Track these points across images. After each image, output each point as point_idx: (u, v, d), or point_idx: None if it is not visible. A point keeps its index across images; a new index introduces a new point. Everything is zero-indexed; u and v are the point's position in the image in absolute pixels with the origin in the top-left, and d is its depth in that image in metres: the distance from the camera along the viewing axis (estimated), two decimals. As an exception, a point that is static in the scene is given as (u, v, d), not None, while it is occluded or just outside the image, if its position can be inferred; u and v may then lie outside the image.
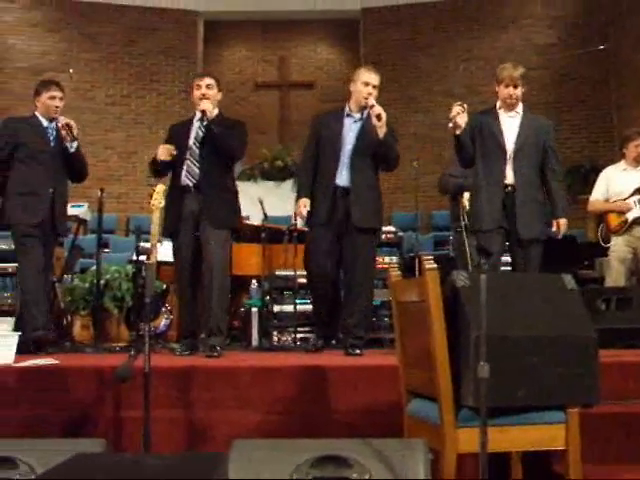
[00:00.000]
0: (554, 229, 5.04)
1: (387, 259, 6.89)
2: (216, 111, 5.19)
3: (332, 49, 14.05)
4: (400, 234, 7.19)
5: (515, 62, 5.18)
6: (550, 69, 12.11)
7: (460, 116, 4.77)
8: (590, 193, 6.69)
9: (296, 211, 5.26)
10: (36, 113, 5.45)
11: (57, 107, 5.38)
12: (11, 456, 2.10)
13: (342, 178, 5.12)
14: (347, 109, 5.27)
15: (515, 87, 4.97)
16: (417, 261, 6.75)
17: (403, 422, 3.16)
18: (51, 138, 5.40)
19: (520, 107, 5.07)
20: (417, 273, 6.48)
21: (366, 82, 5.14)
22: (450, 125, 4.80)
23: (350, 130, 5.19)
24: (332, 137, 5.18)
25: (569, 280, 2.96)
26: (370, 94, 5.10)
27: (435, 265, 2.74)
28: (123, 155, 12.51)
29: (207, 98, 5.11)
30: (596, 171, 7.73)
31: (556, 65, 12.06)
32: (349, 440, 2.17)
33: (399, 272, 3.25)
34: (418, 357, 2.91)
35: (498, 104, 5.07)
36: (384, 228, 7.16)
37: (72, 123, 5.30)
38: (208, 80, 5.21)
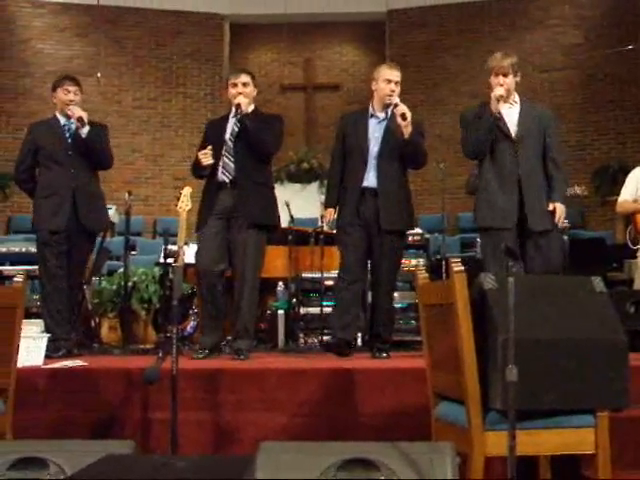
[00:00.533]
0: (550, 209, 4.73)
1: (414, 261, 6.86)
2: (252, 107, 5.18)
3: (358, 51, 14.05)
4: (427, 236, 7.16)
5: (507, 52, 4.97)
6: (577, 69, 12.03)
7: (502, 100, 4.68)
8: (618, 194, 6.62)
9: (323, 218, 5.28)
10: (56, 113, 5.44)
11: (71, 100, 5.32)
12: (41, 457, 2.12)
13: (370, 180, 5.06)
14: (371, 109, 5.22)
15: (505, 75, 4.76)
16: (444, 263, 6.73)
17: (430, 425, 3.14)
18: (67, 135, 5.36)
19: (516, 97, 4.88)
20: (444, 275, 6.47)
21: (388, 79, 5.09)
22: (495, 102, 4.66)
23: (375, 131, 5.14)
24: (358, 139, 5.13)
25: (598, 282, 2.94)
26: (393, 91, 5.05)
27: (462, 267, 2.72)
28: (150, 158, 12.59)
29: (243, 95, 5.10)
30: (624, 172, 7.66)
31: (583, 65, 11.97)
32: (376, 443, 2.17)
33: (426, 275, 3.24)
34: (445, 360, 2.90)
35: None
36: (410, 230, 7.16)
37: (83, 115, 5.23)
38: (244, 78, 5.18)
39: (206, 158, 5.04)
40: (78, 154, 5.29)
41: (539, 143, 4.80)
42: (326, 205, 5.26)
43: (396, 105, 4.95)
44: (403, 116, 4.88)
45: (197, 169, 5.16)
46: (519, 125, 4.79)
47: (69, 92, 5.34)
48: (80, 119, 5.20)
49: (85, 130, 5.24)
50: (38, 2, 12.42)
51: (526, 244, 4.68)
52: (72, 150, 5.29)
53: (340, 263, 5.19)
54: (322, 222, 5.93)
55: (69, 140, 5.33)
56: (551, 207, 4.73)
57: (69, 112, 5.26)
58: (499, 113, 4.72)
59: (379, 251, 5.04)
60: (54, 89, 5.42)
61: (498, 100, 4.68)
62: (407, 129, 4.92)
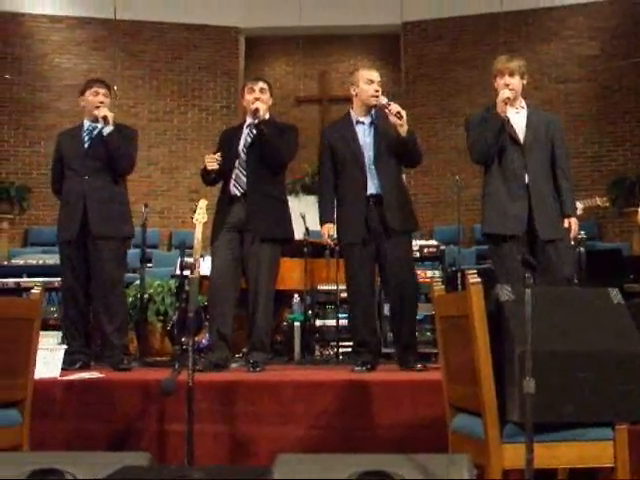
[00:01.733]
0: (565, 226, 4.66)
1: (429, 273, 6.85)
2: (267, 116, 5.17)
3: (373, 63, 14.00)
4: (442, 248, 7.14)
5: (513, 55, 4.88)
6: (593, 81, 12.00)
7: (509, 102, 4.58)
8: (635, 205, 6.58)
9: (322, 237, 5.12)
10: (84, 120, 5.37)
11: (101, 102, 5.23)
12: (57, 468, 2.12)
13: (372, 186, 4.96)
14: (354, 116, 5.11)
15: (511, 75, 4.65)
16: (460, 275, 6.71)
17: (447, 437, 3.13)
18: (86, 139, 5.27)
19: (523, 102, 4.78)
20: (460, 287, 6.44)
21: (369, 79, 5.02)
22: (502, 105, 4.55)
23: (365, 136, 5.03)
24: (350, 148, 5.02)
25: (615, 294, 2.92)
26: (377, 91, 4.98)
27: (478, 279, 2.72)
28: (166, 170, 12.64)
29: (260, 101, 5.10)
30: (641, 183, 7.64)
31: (599, 77, 11.95)
32: (393, 455, 2.16)
33: (442, 286, 3.23)
34: (462, 372, 2.89)
35: None
36: (426, 242, 7.14)
37: (109, 114, 5.15)
38: (262, 84, 5.19)
39: (211, 163, 5.03)
40: (95, 158, 5.18)
41: (547, 150, 4.70)
42: (323, 221, 5.09)
43: (388, 104, 4.85)
44: (398, 114, 4.78)
45: (204, 174, 5.17)
46: (527, 131, 4.68)
47: (98, 94, 5.26)
48: (105, 117, 5.13)
49: (107, 129, 5.15)
50: (55, 17, 12.53)
51: (535, 253, 4.54)
52: (88, 155, 5.21)
53: (349, 283, 5.07)
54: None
55: (86, 145, 5.25)
56: (566, 224, 4.66)
57: (96, 112, 5.18)
58: (507, 117, 4.63)
59: (391, 255, 4.91)
60: (82, 93, 5.34)
61: (505, 103, 4.57)
62: (403, 128, 4.84)
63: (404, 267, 4.97)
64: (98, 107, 5.20)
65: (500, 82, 4.69)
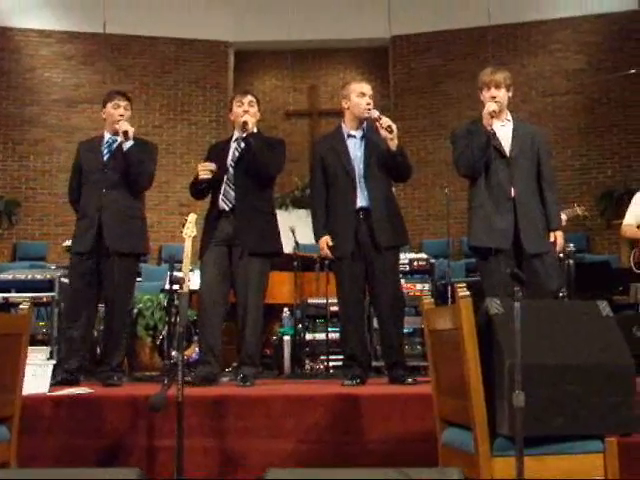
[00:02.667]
0: (551, 240, 4.67)
1: (419, 286, 6.84)
2: (255, 130, 5.16)
3: (362, 77, 14.07)
4: (432, 261, 7.15)
5: (498, 67, 4.86)
6: (581, 94, 12.07)
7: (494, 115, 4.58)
8: (623, 217, 6.61)
9: (320, 251, 5.08)
10: (104, 131, 5.33)
11: (121, 115, 5.20)
12: (47, 486, 2.11)
13: (362, 200, 4.96)
14: (345, 129, 5.13)
15: (497, 88, 4.65)
16: (449, 288, 6.72)
17: (437, 451, 3.13)
18: (105, 151, 5.23)
19: (509, 115, 4.79)
20: (450, 300, 6.45)
21: (361, 92, 5.04)
22: (489, 117, 4.55)
23: (356, 150, 5.04)
24: (341, 162, 5.02)
25: (604, 307, 2.93)
26: (369, 104, 4.99)
27: (468, 292, 2.72)
28: (155, 184, 12.47)
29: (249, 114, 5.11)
30: (629, 195, 7.66)
31: (587, 90, 12.01)
32: (383, 469, 2.16)
33: (431, 300, 3.24)
34: (452, 385, 2.89)
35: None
36: (416, 255, 7.14)
37: (129, 129, 5.12)
38: (250, 97, 5.22)
39: (204, 172, 5.03)
40: (115, 171, 5.14)
41: (533, 163, 4.70)
42: (319, 235, 5.07)
43: (379, 118, 4.86)
44: (389, 128, 4.80)
45: (195, 183, 5.15)
46: (513, 144, 4.68)
47: (119, 107, 5.23)
48: (125, 133, 5.10)
49: (128, 144, 5.12)
50: (44, 31, 12.52)
51: (521, 267, 4.51)
52: (107, 168, 5.15)
53: (340, 297, 5.06)
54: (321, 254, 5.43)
55: (105, 157, 5.20)
56: (552, 238, 4.67)
57: (117, 126, 5.15)
58: (493, 130, 4.62)
59: (380, 270, 4.91)
60: (104, 105, 5.30)
61: (492, 116, 4.58)
62: (394, 142, 4.85)
63: (390, 282, 4.97)
64: (118, 120, 5.18)
65: (486, 95, 4.69)
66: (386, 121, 4.84)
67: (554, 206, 4.74)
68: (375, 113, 4.92)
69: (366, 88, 5.08)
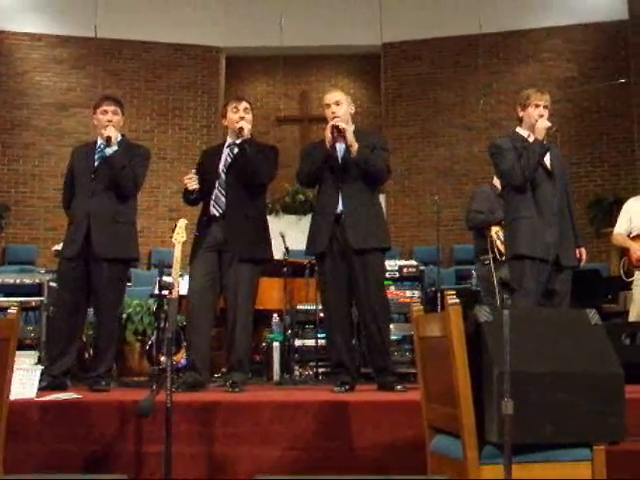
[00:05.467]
0: (578, 255, 4.96)
1: (409, 293, 6.84)
2: (249, 136, 5.18)
3: (353, 84, 14.14)
4: (422, 268, 7.15)
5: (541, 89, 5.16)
6: (571, 102, 12.12)
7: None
8: (613, 226, 6.65)
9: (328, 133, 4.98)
10: (98, 137, 5.30)
11: (109, 120, 5.18)
12: (33, 492, 2.10)
13: (342, 204, 4.97)
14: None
15: (545, 108, 4.95)
16: (439, 295, 6.73)
17: (426, 458, 3.12)
18: (95, 157, 5.19)
19: None
20: (439, 307, 6.46)
21: (326, 104, 5.10)
22: (541, 134, 4.79)
23: (340, 155, 5.05)
24: (328, 164, 5.03)
25: (593, 315, 2.94)
26: (334, 113, 5.02)
27: (458, 300, 2.72)
28: (145, 189, 12.51)
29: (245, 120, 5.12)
30: (619, 204, 7.71)
31: (577, 98, 12.08)
32: (372, 476, 2.15)
33: (421, 307, 3.24)
34: (441, 393, 2.89)
35: (525, 132, 4.95)
36: (405, 262, 7.14)
37: (112, 135, 5.11)
38: (245, 104, 5.21)
39: (190, 183, 5.04)
40: (102, 178, 5.11)
41: (564, 181, 4.97)
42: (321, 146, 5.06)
43: (334, 126, 4.93)
44: (340, 132, 4.89)
45: (185, 194, 5.17)
46: (552, 161, 4.92)
47: (107, 112, 5.21)
48: (108, 138, 5.09)
49: (110, 150, 5.11)
50: (35, 35, 12.51)
51: (556, 279, 4.79)
52: (97, 173, 5.13)
53: (323, 301, 5.11)
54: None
55: (95, 163, 5.17)
56: (578, 254, 4.96)
57: (102, 132, 5.14)
58: (547, 145, 4.84)
59: (360, 274, 4.91)
60: (94, 110, 5.30)
61: (549, 130, 4.83)
62: (353, 148, 4.92)
63: (372, 288, 4.95)
64: (106, 126, 5.17)
65: (534, 112, 4.93)
66: (329, 125, 4.94)
67: (576, 224, 5.02)
68: (335, 122, 4.96)
69: (328, 98, 5.13)
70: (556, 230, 4.78)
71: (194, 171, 5.11)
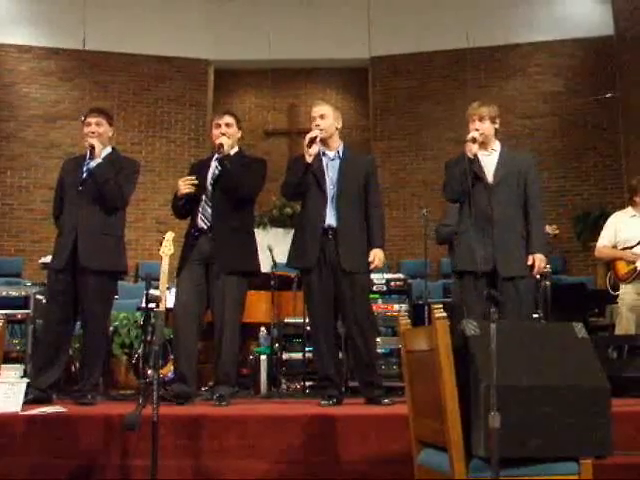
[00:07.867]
0: (529, 263, 4.77)
1: (396, 307, 6.85)
2: (236, 149, 5.22)
3: (341, 97, 14.17)
4: (409, 281, 7.16)
5: (485, 102, 5.07)
6: (558, 116, 12.21)
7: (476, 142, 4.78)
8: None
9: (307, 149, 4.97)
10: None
11: (92, 132, 5.19)
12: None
13: (330, 218, 4.97)
14: (321, 148, 5.10)
15: (480, 120, 4.87)
16: (426, 309, 6.73)
17: (413, 472, 3.12)
18: (83, 169, 5.19)
19: (497, 145, 4.96)
20: (426, 321, 6.46)
21: (312, 116, 5.13)
22: (470, 144, 4.76)
23: (330, 169, 5.07)
24: (316, 177, 5.04)
25: (580, 328, 2.94)
26: (318, 125, 5.04)
27: (445, 314, 2.72)
28: (133, 202, 12.36)
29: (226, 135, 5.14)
30: (605, 217, 7.73)
31: (564, 112, 12.16)
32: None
33: (408, 320, 3.24)
34: (428, 406, 2.89)
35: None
36: (393, 275, 7.15)
37: (96, 146, 5.11)
38: (227, 119, 5.23)
39: (185, 186, 5.05)
40: (89, 190, 5.11)
41: (516, 190, 4.85)
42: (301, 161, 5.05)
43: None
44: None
45: (175, 202, 5.18)
46: (496, 171, 4.86)
47: (90, 124, 5.24)
48: (91, 150, 5.11)
49: (94, 162, 5.12)
50: (24, 47, 12.49)
51: (501, 290, 4.63)
52: (83, 186, 5.12)
53: (309, 315, 5.11)
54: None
55: (83, 175, 5.17)
56: (530, 260, 4.77)
57: (86, 144, 5.16)
58: (475, 157, 4.78)
59: (347, 292, 4.91)
60: (83, 124, 5.32)
61: (473, 142, 4.75)
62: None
63: (359, 304, 4.96)
64: (90, 136, 5.19)
65: (471, 127, 4.89)
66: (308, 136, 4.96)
67: (536, 230, 4.86)
68: (315, 134, 4.98)
69: (314, 111, 5.15)
70: (490, 241, 4.70)
71: (194, 177, 5.11)
